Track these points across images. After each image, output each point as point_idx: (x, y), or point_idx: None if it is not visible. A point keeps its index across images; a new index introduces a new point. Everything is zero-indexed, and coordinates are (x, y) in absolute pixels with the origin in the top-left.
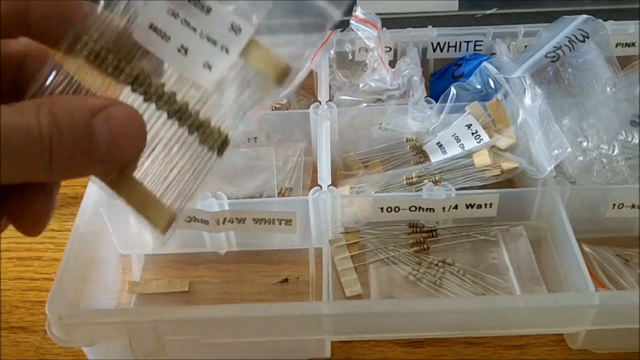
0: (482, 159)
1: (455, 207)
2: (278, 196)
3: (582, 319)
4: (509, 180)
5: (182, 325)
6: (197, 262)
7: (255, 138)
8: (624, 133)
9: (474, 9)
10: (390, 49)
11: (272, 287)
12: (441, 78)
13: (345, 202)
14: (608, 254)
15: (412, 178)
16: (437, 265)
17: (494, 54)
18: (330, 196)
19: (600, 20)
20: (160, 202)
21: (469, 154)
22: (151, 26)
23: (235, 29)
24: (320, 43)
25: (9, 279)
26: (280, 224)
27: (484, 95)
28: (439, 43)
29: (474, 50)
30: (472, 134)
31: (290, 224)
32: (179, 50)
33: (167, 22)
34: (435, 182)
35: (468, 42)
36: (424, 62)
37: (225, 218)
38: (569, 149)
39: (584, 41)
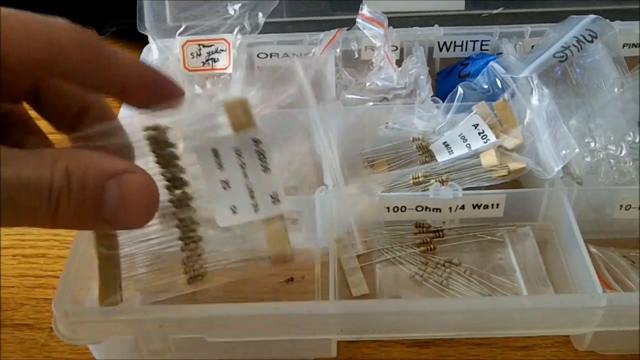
0: (489, 159)
1: (462, 207)
2: None
3: (589, 320)
4: (515, 181)
5: (188, 324)
6: None
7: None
8: (631, 134)
9: (481, 8)
10: (397, 47)
11: (278, 286)
12: (447, 77)
13: (352, 201)
14: (615, 255)
15: (418, 178)
16: (443, 265)
17: (501, 53)
18: (336, 195)
19: (608, 21)
20: (119, 283)
21: (476, 154)
22: (214, 150)
23: (274, 198)
24: None
25: (13, 276)
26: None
27: (491, 95)
28: (445, 42)
29: (481, 49)
30: (479, 133)
31: (296, 223)
32: (222, 182)
33: (229, 156)
34: (442, 182)
35: (474, 41)
36: (430, 61)
37: None
38: (577, 150)
39: (592, 41)
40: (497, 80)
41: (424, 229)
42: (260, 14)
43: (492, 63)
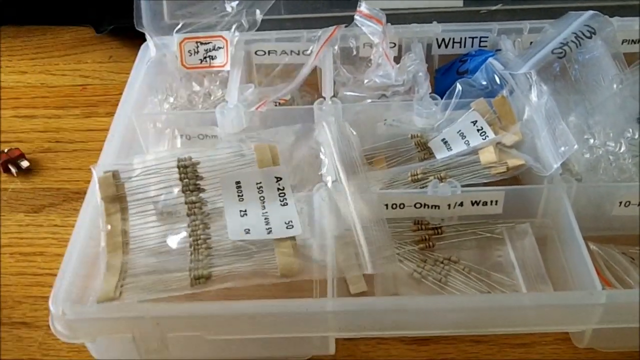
0: (487, 155)
1: (461, 204)
2: None
3: (588, 317)
4: (514, 178)
5: (186, 321)
6: None
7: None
8: (630, 130)
9: (479, 5)
10: (395, 44)
11: (276, 283)
12: (446, 74)
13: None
14: (614, 252)
15: (417, 175)
16: (442, 262)
17: (499, 50)
18: (335, 192)
19: (607, 17)
20: (118, 284)
21: (475, 151)
22: (237, 183)
23: (288, 225)
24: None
25: (11, 274)
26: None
27: (490, 92)
28: (443, 39)
29: (479, 46)
30: (478, 130)
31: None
32: (240, 211)
33: (251, 188)
34: (441, 179)
35: (473, 38)
36: (428, 58)
37: None
38: (576, 146)
39: (590, 37)
40: (496, 76)
41: (423, 226)
42: (257, 11)
43: (490, 59)
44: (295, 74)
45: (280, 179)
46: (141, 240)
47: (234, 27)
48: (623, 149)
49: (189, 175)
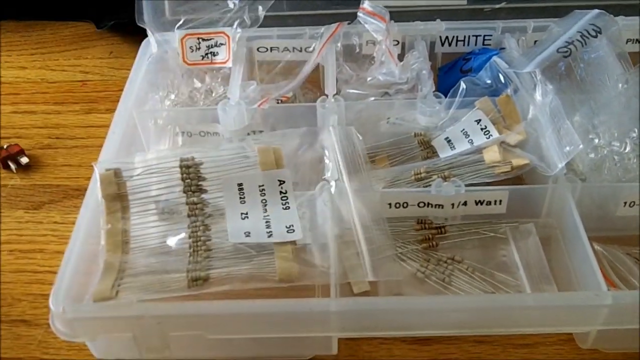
0: (491, 155)
1: (465, 203)
2: None
3: (593, 318)
4: (518, 177)
5: (187, 321)
6: None
7: (261, 132)
8: (635, 130)
9: (483, 2)
10: (398, 42)
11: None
12: (449, 72)
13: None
14: (619, 252)
15: (420, 174)
16: (445, 262)
17: (503, 48)
18: (337, 191)
19: (612, 16)
20: (115, 283)
21: (479, 150)
22: (240, 185)
23: (289, 229)
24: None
25: (10, 271)
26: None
27: (494, 91)
28: (447, 37)
29: (483, 44)
30: (482, 129)
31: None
32: (241, 214)
33: (253, 191)
34: (444, 178)
35: (477, 36)
36: (431, 56)
37: None
38: (581, 146)
39: (596, 36)
40: (500, 75)
41: (426, 226)
42: (260, 8)
43: (494, 58)
44: (298, 71)
45: (283, 182)
46: (141, 240)
47: (236, 23)
48: (628, 148)
49: (191, 176)
